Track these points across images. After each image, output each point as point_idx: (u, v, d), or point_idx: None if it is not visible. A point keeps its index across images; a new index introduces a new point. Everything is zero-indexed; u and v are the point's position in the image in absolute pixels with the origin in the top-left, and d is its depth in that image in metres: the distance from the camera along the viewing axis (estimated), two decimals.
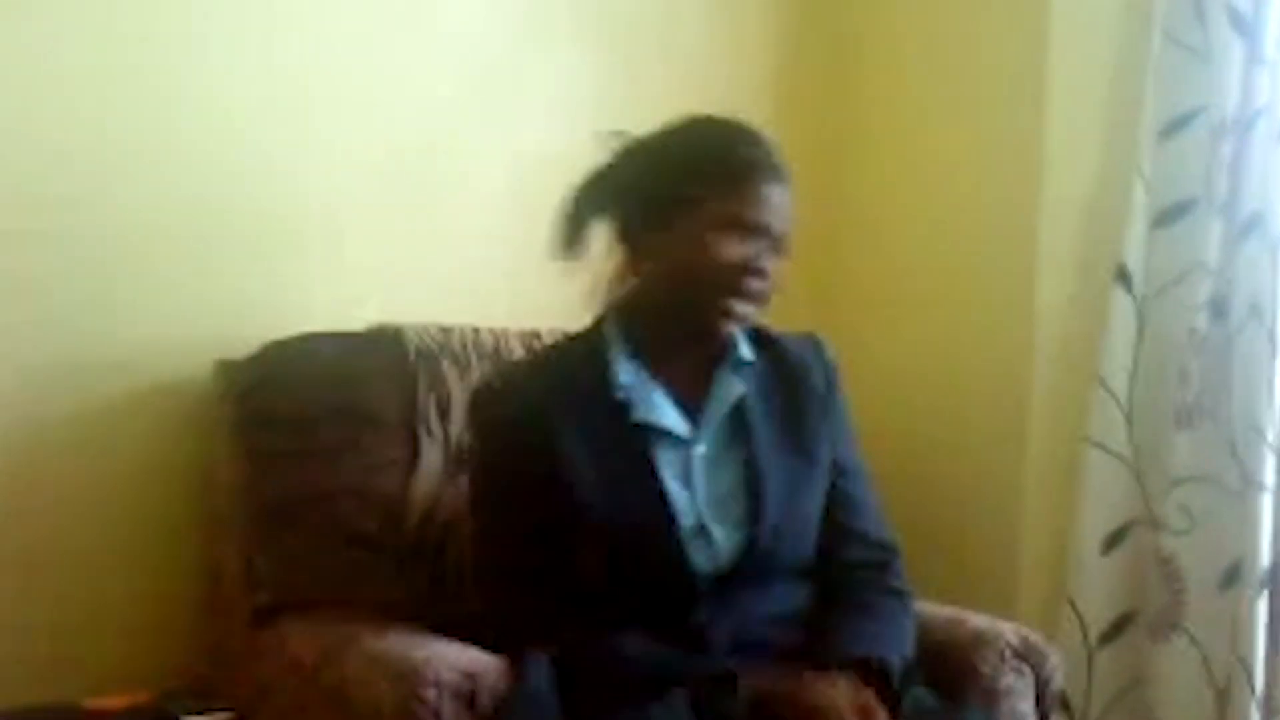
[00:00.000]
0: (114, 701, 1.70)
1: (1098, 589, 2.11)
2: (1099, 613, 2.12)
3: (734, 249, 1.53)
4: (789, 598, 1.60)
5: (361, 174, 2.02)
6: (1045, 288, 2.20)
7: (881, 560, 1.66)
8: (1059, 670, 1.74)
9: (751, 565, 1.56)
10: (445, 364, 1.88)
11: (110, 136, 1.83)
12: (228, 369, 1.84)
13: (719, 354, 1.62)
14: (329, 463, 1.79)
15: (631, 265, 1.62)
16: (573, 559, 1.55)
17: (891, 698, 1.50)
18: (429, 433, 1.84)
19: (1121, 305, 2.12)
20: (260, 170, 1.94)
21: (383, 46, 2.04)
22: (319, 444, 1.80)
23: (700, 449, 1.59)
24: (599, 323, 1.65)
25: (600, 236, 1.64)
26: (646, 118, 2.25)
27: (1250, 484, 2.01)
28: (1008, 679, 1.70)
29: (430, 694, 1.48)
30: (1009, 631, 1.74)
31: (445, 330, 1.92)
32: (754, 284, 1.54)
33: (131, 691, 1.73)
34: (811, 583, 1.63)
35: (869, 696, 1.47)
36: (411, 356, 1.86)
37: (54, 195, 1.79)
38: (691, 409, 1.60)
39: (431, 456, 1.83)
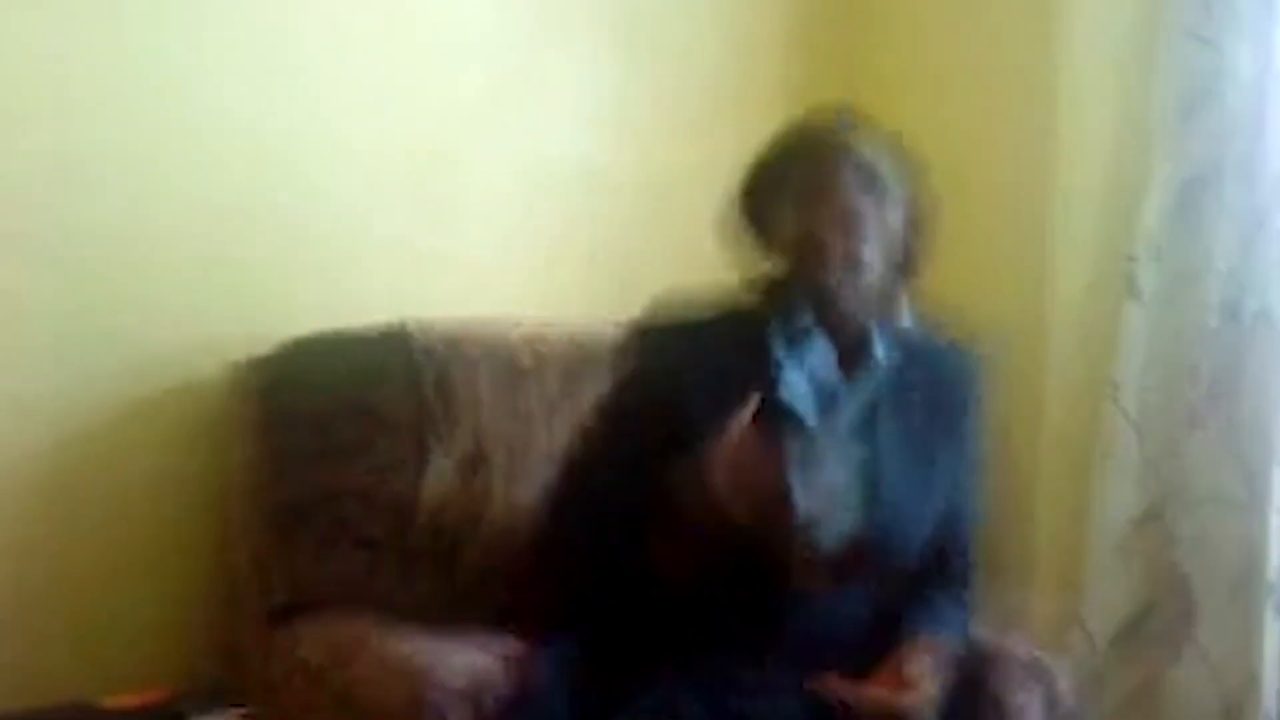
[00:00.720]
0: (130, 700, 1.73)
1: (1108, 601, 2.10)
2: (1108, 626, 2.11)
3: (799, 226, 1.56)
4: (868, 606, 1.61)
5: (378, 174, 2.02)
6: (1058, 295, 2.18)
7: (962, 577, 1.68)
8: (1069, 687, 1.73)
9: (851, 567, 1.57)
10: (454, 366, 1.88)
11: (127, 137, 1.83)
12: (245, 369, 1.85)
13: (856, 350, 1.62)
14: (341, 463, 1.80)
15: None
16: (675, 528, 1.54)
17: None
18: (437, 435, 1.85)
19: (1132, 310, 2.09)
20: (277, 170, 1.94)
21: (401, 47, 2.03)
22: (332, 444, 1.81)
23: (825, 444, 1.59)
24: (762, 300, 1.64)
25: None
26: (664, 118, 2.28)
27: (1258, 495, 2.00)
28: (1018, 697, 1.69)
29: (436, 696, 1.50)
30: (1019, 648, 1.73)
31: (455, 332, 1.90)
32: (824, 254, 1.55)
33: (147, 690, 1.75)
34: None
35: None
36: (420, 358, 1.86)
37: (69, 196, 1.79)
38: (828, 405, 1.60)
39: (440, 458, 1.84)
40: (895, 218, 1.59)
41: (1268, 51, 2.03)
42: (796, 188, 1.57)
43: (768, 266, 1.63)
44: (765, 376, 1.57)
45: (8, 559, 1.78)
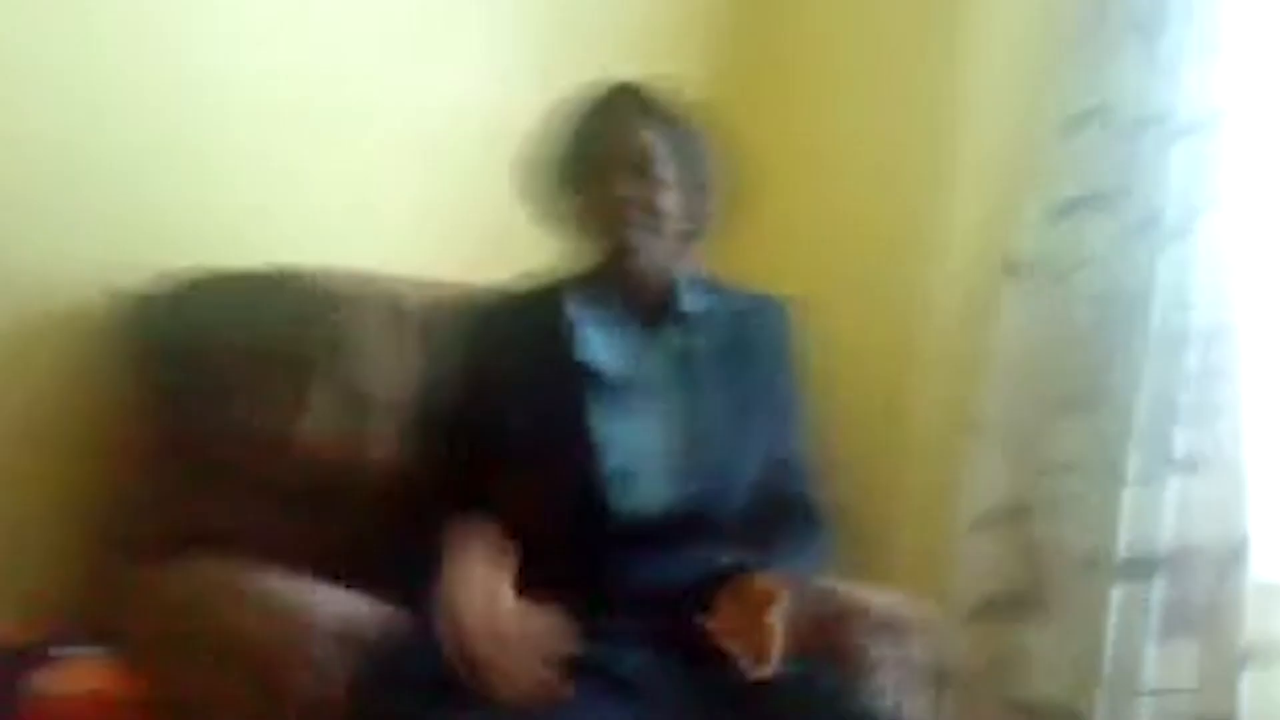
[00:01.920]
0: None
1: (968, 568, 2.17)
2: (969, 591, 2.18)
3: (606, 189, 1.60)
4: (707, 563, 1.61)
5: (266, 105, 1.99)
6: (940, 276, 2.26)
7: (807, 510, 1.70)
8: (927, 644, 1.78)
9: (676, 520, 1.58)
10: (342, 308, 1.86)
11: (24, 47, 1.78)
12: (120, 301, 1.82)
13: (663, 306, 1.65)
14: (218, 402, 1.78)
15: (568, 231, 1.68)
16: (496, 493, 1.57)
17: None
18: (321, 377, 1.83)
19: (1011, 295, 2.18)
20: (160, 95, 1.90)
21: None
22: (209, 382, 1.78)
23: (631, 397, 1.61)
24: (563, 270, 1.69)
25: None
26: (575, 66, 2.25)
27: (1115, 476, 2.07)
28: (877, 650, 1.74)
29: (309, 638, 1.49)
30: (879, 604, 1.78)
31: (343, 275, 1.89)
32: (633, 214, 1.59)
33: (11, 625, 1.71)
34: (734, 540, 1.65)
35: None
36: (307, 299, 1.84)
37: None
38: (633, 358, 1.63)
39: (322, 398, 1.82)
40: (688, 173, 1.63)
41: (1154, 62, 2.10)
42: (591, 152, 1.61)
43: (570, 235, 1.66)
44: (561, 337, 1.62)
45: None
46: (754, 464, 1.66)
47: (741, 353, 1.68)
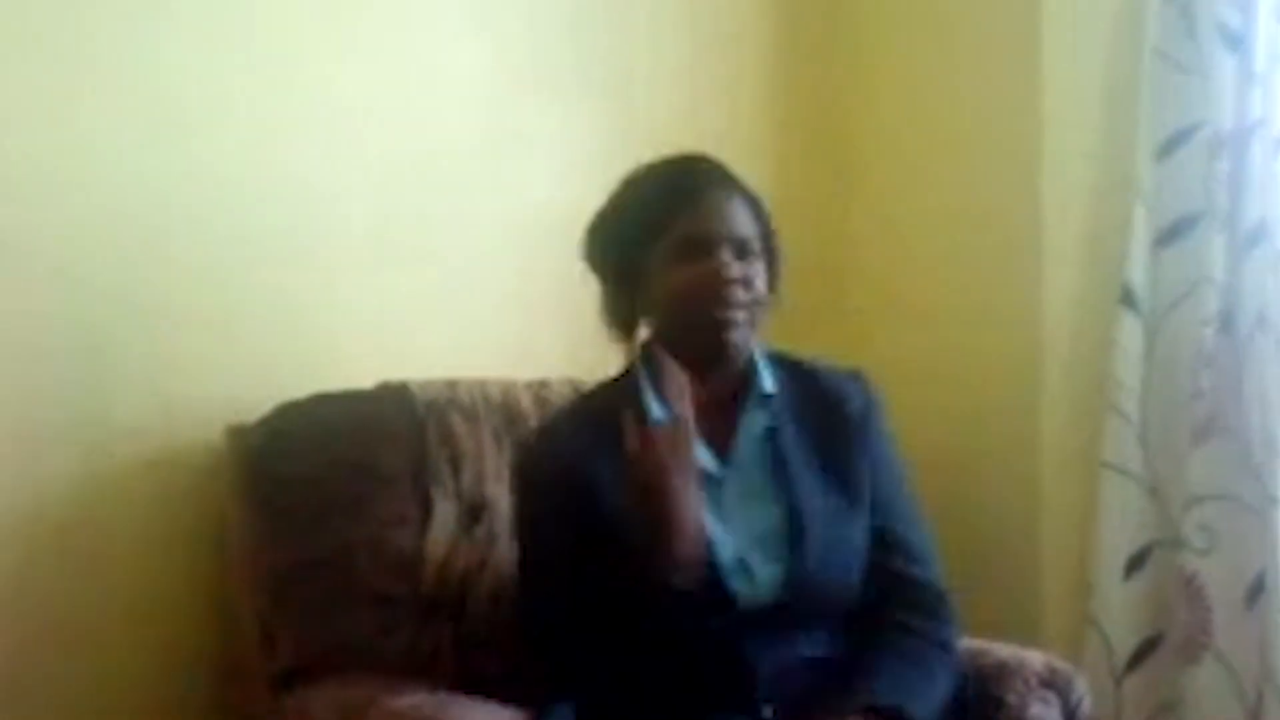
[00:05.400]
0: None
1: (1122, 613, 2.10)
2: (1125, 637, 2.11)
3: (696, 267, 1.57)
4: (833, 642, 1.59)
5: (363, 232, 2.03)
6: (1051, 312, 2.20)
7: (931, 608, 1.63)
8: (1087, 697, 1.72)
9: (795, 600, 1.55)
10: (454, 417, 1.88)
11: (115, 204, 1.83)
12: (237, 433, 1.84)
13: (742, 390, 1.63)
14: (342, 522, 1.79)
15: (641, 318, 1.66)
16: (618, 604, 1.53)
17: None
18: (441, 487, 1.84)
19: (1128, 325, 2.12)
20: (263, 231, 1.94)
21: (383, 105, 2.04)
22: (331, 504, 1.79)
23: (729, 486, 1.59)
24: (632, 364, 1.67)
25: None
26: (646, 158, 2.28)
27: (1268, 499, 2.00)
28: (1035, 709, 1.68)
29: None
30: (1034, 660, 1.72)
31: (452, 384, 1.92)
32: (728, 291, 1.57)
33: None
34: (855, 628, 1.60)
35: None
36: (420, 411, 1.86)
37: (60, 260, 1.79)
38: (719, 446, 1.61)
39: (445, 511, 1.83)
40: (767, 248, 1.63)
41: (1249, 74, 2.06)
42: (694, 228, 1.58)
43: (639, 319, 1.64)
44: None
45: (4, 627, 1.76)
46: (860, 541, 1.61)
47: (824, 430, 1.64)
